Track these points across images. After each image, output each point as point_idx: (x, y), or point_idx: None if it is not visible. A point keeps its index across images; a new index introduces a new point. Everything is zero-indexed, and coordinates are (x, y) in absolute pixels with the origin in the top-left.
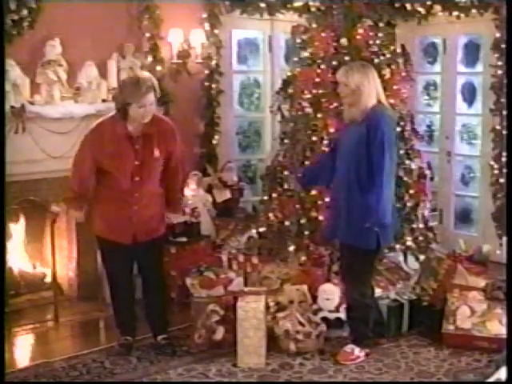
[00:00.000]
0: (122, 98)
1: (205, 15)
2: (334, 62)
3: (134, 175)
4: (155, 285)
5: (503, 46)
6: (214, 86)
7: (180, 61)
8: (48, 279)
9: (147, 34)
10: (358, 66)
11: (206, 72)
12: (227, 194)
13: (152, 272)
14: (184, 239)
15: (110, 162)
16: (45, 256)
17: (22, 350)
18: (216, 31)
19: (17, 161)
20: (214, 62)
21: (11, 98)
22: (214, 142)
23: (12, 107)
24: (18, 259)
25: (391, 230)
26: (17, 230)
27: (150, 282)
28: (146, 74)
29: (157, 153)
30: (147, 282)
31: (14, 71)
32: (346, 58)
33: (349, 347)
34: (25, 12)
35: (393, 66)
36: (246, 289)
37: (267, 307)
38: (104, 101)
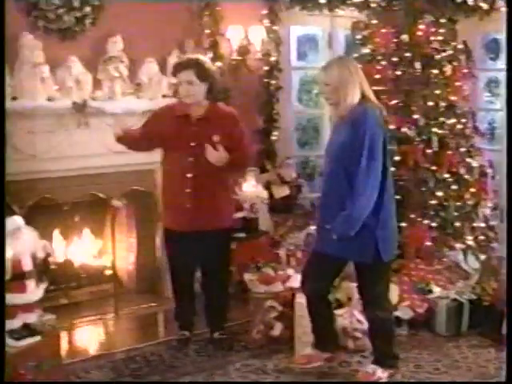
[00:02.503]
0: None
1: (264, 11)
2: (395, 59)
3: (189, 156)
4: (216, 280)
5: None
6: (273, 82)
7: (239, 57)
8: (108, 272)
9: (207, 31)
10: (337, 61)
11: (266, 68)
12: (286, 191)
13: (214, 266)
14: (242, 235)
15: (167, 140)
16: (105, 249)
17: (83, 341)
18: (275, 27)
19: (84, 154)
20: (273, 59)
21: (74, 93)
22: (273, 138)
23: (74, 103)
24: (80, 252)
25: (393, 240)
26: (78, 223)
27: (211, 277)
28: (195, 56)
29: (216, 137)
30: (207, 276)
31: (76, 67)
32: (407, 55)
33: (370, 367)
34: (88, 9)
35: (454, 63)
36: None
37: None
38: (164, 96)
